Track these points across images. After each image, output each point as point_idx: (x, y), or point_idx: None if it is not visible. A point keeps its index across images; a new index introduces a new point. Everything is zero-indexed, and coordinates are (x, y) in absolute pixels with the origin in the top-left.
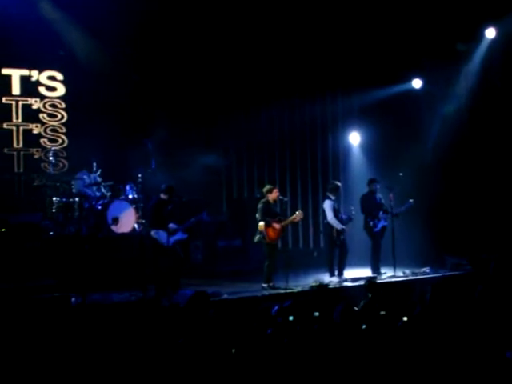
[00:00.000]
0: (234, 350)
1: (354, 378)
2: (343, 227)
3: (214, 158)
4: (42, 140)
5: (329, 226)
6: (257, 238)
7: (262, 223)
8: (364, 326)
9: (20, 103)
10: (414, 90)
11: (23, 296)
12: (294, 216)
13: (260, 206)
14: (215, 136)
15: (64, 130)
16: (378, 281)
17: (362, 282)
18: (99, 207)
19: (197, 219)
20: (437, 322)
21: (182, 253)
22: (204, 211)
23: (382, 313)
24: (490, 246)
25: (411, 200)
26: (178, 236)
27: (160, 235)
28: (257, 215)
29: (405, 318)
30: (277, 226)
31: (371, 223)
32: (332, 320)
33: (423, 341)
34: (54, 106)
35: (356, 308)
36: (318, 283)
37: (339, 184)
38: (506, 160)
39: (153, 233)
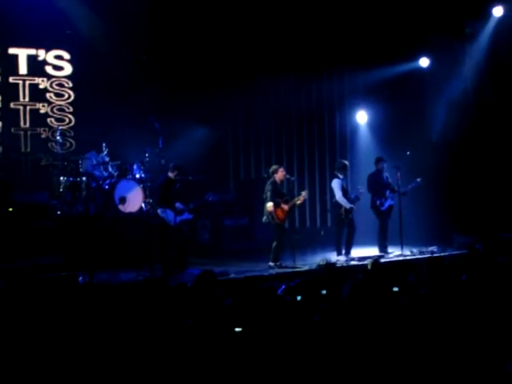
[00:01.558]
0: (238, 330)
1: (361, 357)
2: (352, 206)
3: (222, 137)
4: (49, 119)
5: (337, 204)
6: (265, 218)
7: (270, 204)
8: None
9: (27, 82)
10: (421, 69)
11: (31, 274)
12: (301, 197)
13: (269, 186)
14: (223, 115)
15: (71, 110)
16: (384, 260)
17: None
18: (106, 187)
19: (201, 201)
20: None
21: (188, 232)
22: (209, 193)
23: (395, 289)
24: (498, 225)
25: (418, 179)
26: (184, 216)
27: (167, 214)
28: (264, 196)
29: (395, 289)
30: (285, 206)
31: (378, 202)
32: (339, 298)
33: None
34: (60, 85)
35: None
36: (325, 262)
37: (347, 163)
38: None
39: (160, 211)
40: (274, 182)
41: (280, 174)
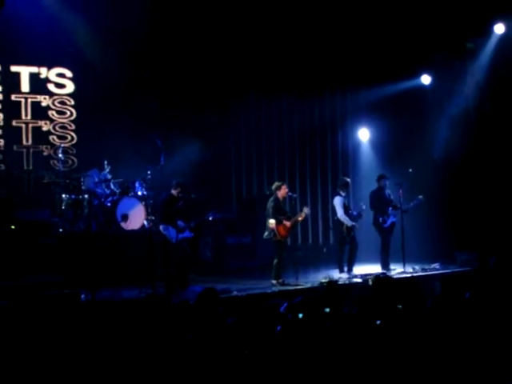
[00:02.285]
0: (246, 352)
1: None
2: (353, 224)
3: (224, 154)
4: (51, 137)
5: (339, 222)
6: (266, 234)
7: (272, 221)
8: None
9: (29, 100)
10: (423, 86)
11: (33, 292)
12: (302, 214)
13: (271, 203)
14: (225, 133)
15: (73, 127)
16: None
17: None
18: (108, 204)
19: (202, 220)
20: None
21: (190, 250)
22: (210, 212)
23: (399, 306)
24: (499, 243)
25: (420, 196)
26: (186, 234)
27: (169, 231)
28: (266, 212)
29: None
30: (287, 223)
31: (380, 219)
32: (342, 316)
33: (435, 335)
34: (62, 103)
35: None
36: (327, 279)
37: (349, 180)
38: None
39: (162, 228)
40: (277, 199)
41: (283, 191)
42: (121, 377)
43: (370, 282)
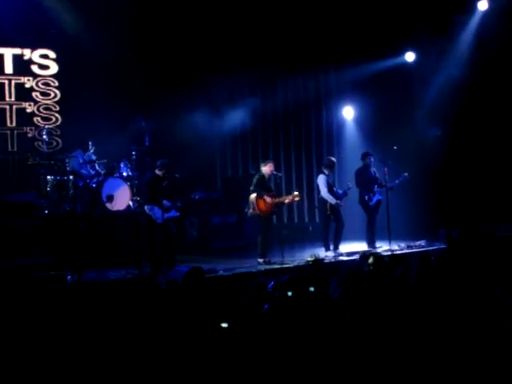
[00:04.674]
0: (224, 325)
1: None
2: (337, 202)
3: (208, 135)
4: (35, 118)
5: (323, 200)
6: (247, 209)
7: (253, 195)
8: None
9: (13, 82)
10: (407, 63)
11: (18, 274)
12: (290, 197)
13: (255, 178)
14: (209, 112)
15: (57, 109)
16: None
17: (357, 256)
18: (94, 185)
19: (188, 199)
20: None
21: (176, 229)
22: (196, 191)
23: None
24: (484, 219)
25: (406, 173)
26: (171, 214)
27: (155, 211)
28: (251, 187)
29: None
30: (268, 199)
31: (366, 197)
32: (328, 295)
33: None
34: (46, 84)
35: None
36: (313, 258)
37: (334, 160)
38: (500, 133)
39: (147, 208)
40: (262, 176)
41: (268, 168)
42: (110, 359)
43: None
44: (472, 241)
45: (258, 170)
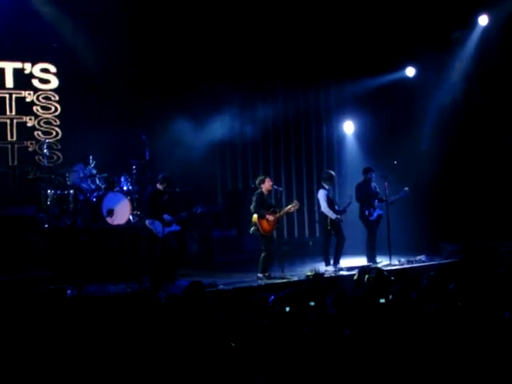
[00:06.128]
0: (233, 344)
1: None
2: (338, 216)
3: (209, 148)
4: (35, 133)
5: (323, 215)
6: (252, 229)
7: (255, 215)
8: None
9: (13, 96)
10: (407, 78)
11: (18, 288)
12: (290, 206)
13: (254, 197)
14: (209, 127)
15: (58, 123)
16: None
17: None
18: (94, 199)
19: (189, 214)
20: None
21: (176, 244)
22: (198, 205)
23: (382, 301)
24: (485, 234)
25: (406, 188)
26: (172, 228)
27: (155, 225)
28: (251, 207)
29: (382, 300)
30: (270, 217)
31: (367, 212)
32: (324, 309)
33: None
34: (47, 98)
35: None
36: (313, 272)
37: (333, 173)
38: (501, 147)
39: (148, 223)
40: (261, 193)
41: (267, 185)
42: (108, 371)
43: (355, 277)
44: (493, 254)
45: (257, 185)
